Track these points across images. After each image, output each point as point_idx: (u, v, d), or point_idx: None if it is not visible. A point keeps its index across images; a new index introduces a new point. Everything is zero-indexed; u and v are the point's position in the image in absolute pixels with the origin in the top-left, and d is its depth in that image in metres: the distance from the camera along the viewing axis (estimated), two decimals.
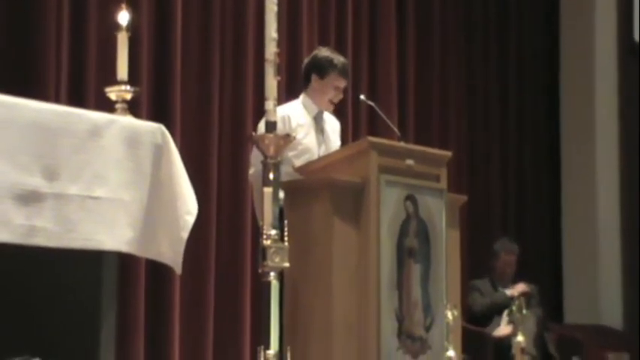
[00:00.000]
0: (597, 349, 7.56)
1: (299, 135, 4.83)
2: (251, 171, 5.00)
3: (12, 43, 5.35)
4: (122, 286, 4.89)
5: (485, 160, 8.36)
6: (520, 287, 7.14)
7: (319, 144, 5.07)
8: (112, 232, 3.32)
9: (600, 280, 8.47)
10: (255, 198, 5.04)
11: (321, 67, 5.09)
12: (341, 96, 5.18)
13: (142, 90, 5.26)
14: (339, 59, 5.12)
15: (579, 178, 8.66)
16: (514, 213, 8.55)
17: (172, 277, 5.74)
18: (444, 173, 4.82)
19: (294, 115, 5.00)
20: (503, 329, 7.10)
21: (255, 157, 4.84)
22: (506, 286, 7.40)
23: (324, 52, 5.22)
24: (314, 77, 5.10)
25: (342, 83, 5.11)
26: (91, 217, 3.26)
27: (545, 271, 8.52)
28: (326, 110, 5.16)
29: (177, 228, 3.52)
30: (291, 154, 4.78)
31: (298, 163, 4.83)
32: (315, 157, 4.96)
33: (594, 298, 8.44)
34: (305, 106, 5.11)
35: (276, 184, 3.43)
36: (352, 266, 4.43)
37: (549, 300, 8.12)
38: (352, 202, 4.49)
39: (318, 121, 5.12)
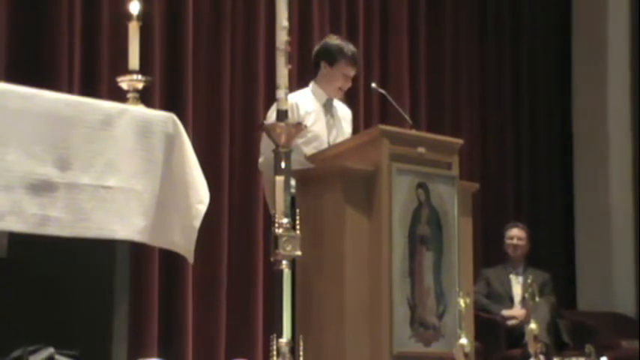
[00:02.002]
0: (611, 337, 7.54)
1: (308, 122, 4.82)
2: (261, 160, 5.00)
3: (25, 33, 5.36)
4: (135, 275, 4.92)
5: (497, 148, 8.34)
6: (517, 312, 7.11)
7: (329, 131, 5.07)
8: (125, 222, 3.32)
9: (614, 267, 8.45)
10: (266, 187, 5.04)
11: (331, 55, 5.08)
12: (349, 84, 5.16)
13: (153, 79, 5.27)
14: (348, 47, 5.11)
15: (592, 165, 8.64)
16: (527, 200, 8.53)
17: (185, 266, 5.75)
18: (455, 161, 4.81)
19: (302, 103, 5.00)
20: (514, 310, 7.10)
21: (264, 145, 4.84)
22: (518, 273, 7.40)
23: (334, 40, 5.21)
24: (323, 64, 5.10)
25: (351, 72, 5.10)
26: (103, 207, 3.27)
27: (559, 259, 8.51)
28: (335, 97, 5.15)
29: (190, 217, 3.52)
30: (300, 141, 4.76)
31: (308, 150, 4.83)
32: (325, 144, 4.96)
33: (607, 285, 8.42)
34: (314, 94, 5.11)
35: (288, 173, 3.43)
36: (364, 254, 4.43)
37: (562, 287, 8.11)
38: (364, 190, 4.49)
39: (327, 108, 5.11)
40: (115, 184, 3.31)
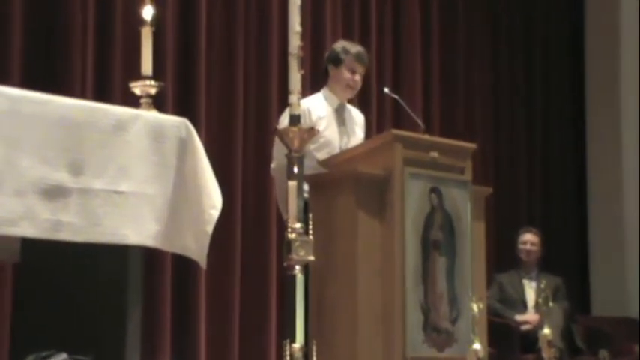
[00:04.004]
0: (625, 341, 7.52)
1: (320, 127, 4.82)
2: (273, 165, 5.00)
3: (38, 39, 5.38)
4: (148, 279, 4.93)
5: (510, 152, 8.33)
6: (531, 317, 7.10)
7: (341, 136, 5.06)
8: (137, 227, 3.33)
9: (627, 271, 8.42)
10: (278, 192, 5.04)
11: (336, 57, 5.10)
12: (358, 79, 5.11)
13: (166, 84, 5.27)
14: (353, 47, 5.13)
15: (605, 170, 8.62)
16: (540, 205, 8.51)
17: (198, 271, 5.76)
18: (468, 165, 4.81)
19: (314, 108, 4.99)
20: (527, 315, 7.09)
21: (277, 150, 4.84)
22: (531, 278, 7.39)
23: (339, 43, 5.25)
24: (330, 67, 5.11)
25: (357, 67, 5.09)
26: (116, 212, 3.27)
27: (572, 263, 8.49)
28: (345, 96, 5.14)
29: (202, 222, 3.52)
30: (312, 146, 4.75)
31: (320, 155, 4.83)
32: (337, 149, 4.95)
33: (621, 289, 8.39)
34: (326, 99, 5.11)
35: (301, 178, 3.43)
36: (377, 259, 4.42)
37: (576, 292, 8.09)
38: (377, 194, 4.48)
39: (339, 113, 5.11)
40: (127, 189, 3.31)
